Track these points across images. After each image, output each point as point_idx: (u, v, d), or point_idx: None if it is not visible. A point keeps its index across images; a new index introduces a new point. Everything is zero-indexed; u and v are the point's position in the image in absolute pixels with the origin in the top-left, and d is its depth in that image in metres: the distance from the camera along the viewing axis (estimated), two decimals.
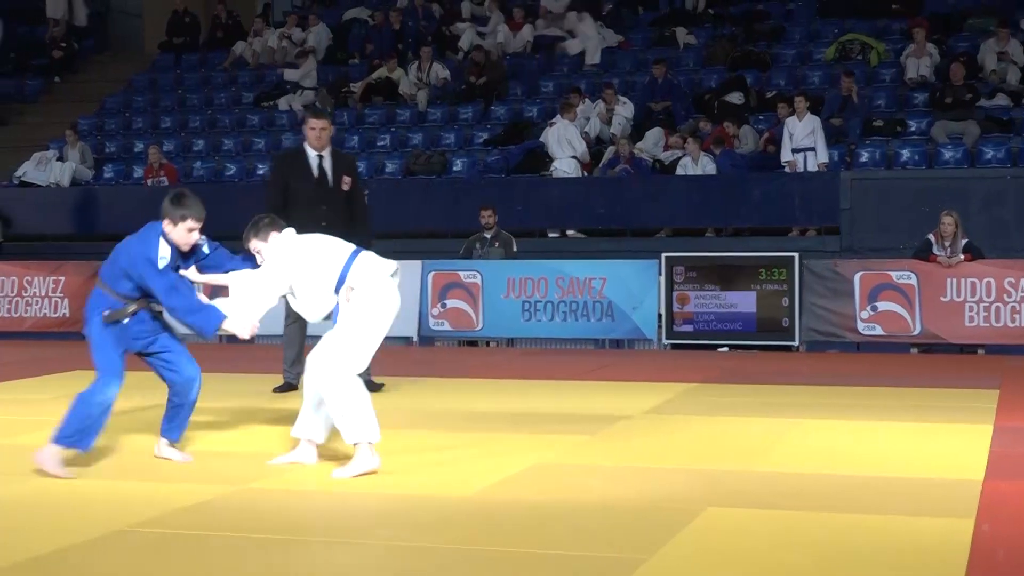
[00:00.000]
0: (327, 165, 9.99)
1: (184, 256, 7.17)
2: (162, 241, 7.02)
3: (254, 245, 7.18)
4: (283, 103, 21.79)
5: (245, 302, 7.03)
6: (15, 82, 24.93)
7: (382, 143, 20.35)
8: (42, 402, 9.98)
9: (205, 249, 7.30)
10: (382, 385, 10.13)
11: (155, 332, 7.21)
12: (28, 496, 6.54)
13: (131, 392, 9.46)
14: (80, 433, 6.90)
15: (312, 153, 9.98)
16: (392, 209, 18.31)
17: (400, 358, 13.42)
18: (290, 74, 22.19)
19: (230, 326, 6.99)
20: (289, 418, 8.93)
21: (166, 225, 7.02)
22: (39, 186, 20.56)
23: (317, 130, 9.94)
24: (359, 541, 5.59)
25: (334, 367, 6.85)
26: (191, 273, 7.22)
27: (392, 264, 7.19)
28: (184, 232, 7.02)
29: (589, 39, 21.09)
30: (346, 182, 10.00)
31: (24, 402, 10.03)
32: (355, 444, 6.87)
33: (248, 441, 8.16)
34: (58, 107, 23.89)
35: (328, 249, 7.15)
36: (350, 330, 6.91)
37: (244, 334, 7.03)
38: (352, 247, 7.21)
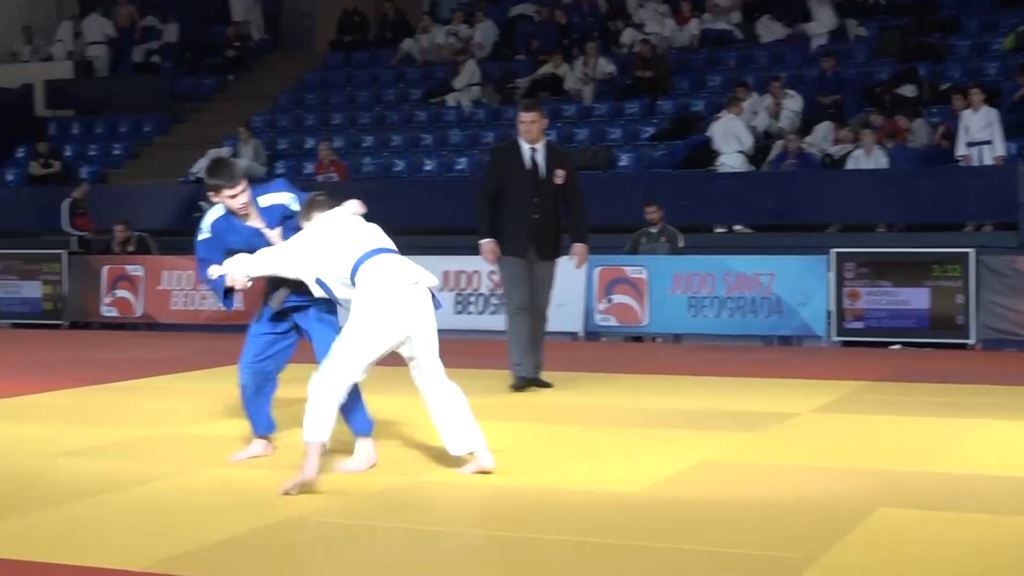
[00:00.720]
0: (540, 158, 9.98)
1: (267, 220, 7.08)
2: (208, 216, 7.05)
3: (300, 222, 7.00)
4: (451, 99, 21.98)
5: (250, 258, 6.94)
6: (191, 81, 25.58)
7: (548, 139, 20.35)
8: (214, 392, 10.22)
9: (295, 207, 7.13)
10: (550, 384, 10.15)
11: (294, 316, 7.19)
12: (209, 484, 6.70)
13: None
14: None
15: (525, 146, 10.00)
16: None
17: (565, 353, 13.45)
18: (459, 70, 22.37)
19: (226, 274, 6.94)
20: (473, 411, 9.02)
21: (212, 198, 7.02)
22: None
23: (527, 123, 9.97)
24: (525, 535, 5.61)
25: (323, 370, 6.65)
26: (273, 234, 7.12)
27: (415, 274, 6.74)
28: (228, 200, 6.94)
29: (822, 24, 20.67)
30: (559, 175, 9.95)
31: (197, 392, 10.28)
32: (306, 443, 6.52)
33: (425, 434, 8.25)
34: (232, 105, 24.45)
35: (350, 241, 6.80)
36: (345, 335, 6.64)
37: (232, 282, 6.98)
38: (378, 245, 6.83)
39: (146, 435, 8.12)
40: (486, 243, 10.00)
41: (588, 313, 14.95)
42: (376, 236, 6.91)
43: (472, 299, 15.45)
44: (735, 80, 19.71)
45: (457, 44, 23.38)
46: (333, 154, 20.36)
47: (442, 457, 7.37)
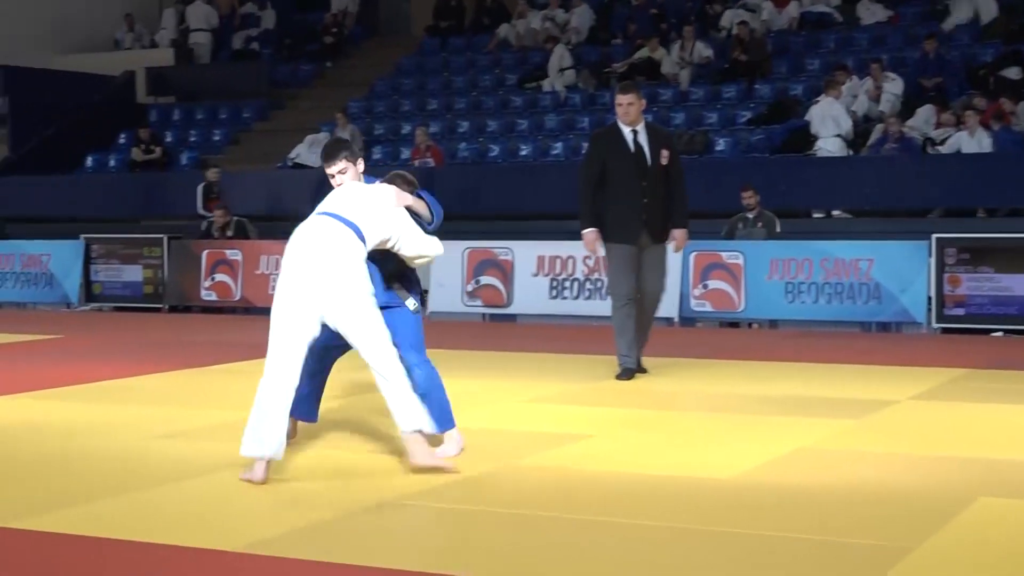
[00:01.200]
0: (643, 140, 9.73)
1: None
2: None
3: None
4: (547, 84, 21.95)
5: None
6: (290, 67, 25.82)
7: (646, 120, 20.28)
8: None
9: None
10: (646, 370, 10.07)
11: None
12: (304, 466, 6.75)
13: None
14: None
15: (626, 129, 9.78)
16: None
17: (661, 339, 13.40)
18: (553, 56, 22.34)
19: None
20: (567, 396, 9.03)
21: None
22: (311, 168, 21.24)
23: (624, 105, 9.74)
24: (622, 520, 5.59)
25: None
26: None
27: (314, 243, 6.49)
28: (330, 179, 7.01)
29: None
30: (664, 156, 9.72)
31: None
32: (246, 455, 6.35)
33: (523, 419, 8.26)
34: (330, 91, 24.63)
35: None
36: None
37: None
38: (318, 211, 6.65)
39: (243, 417, 8.19)
40: (588, 233, 9.75)
41: (683, 299, 14.85)
42: (329, 201, 6.74)
43: (567, 284, 15.42)
44: (834, 63, 19.49)
45: (553, 29, 23.33)
46: (429, 139, 20.43)
47: (535, 442, 7.38)
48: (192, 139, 24.27)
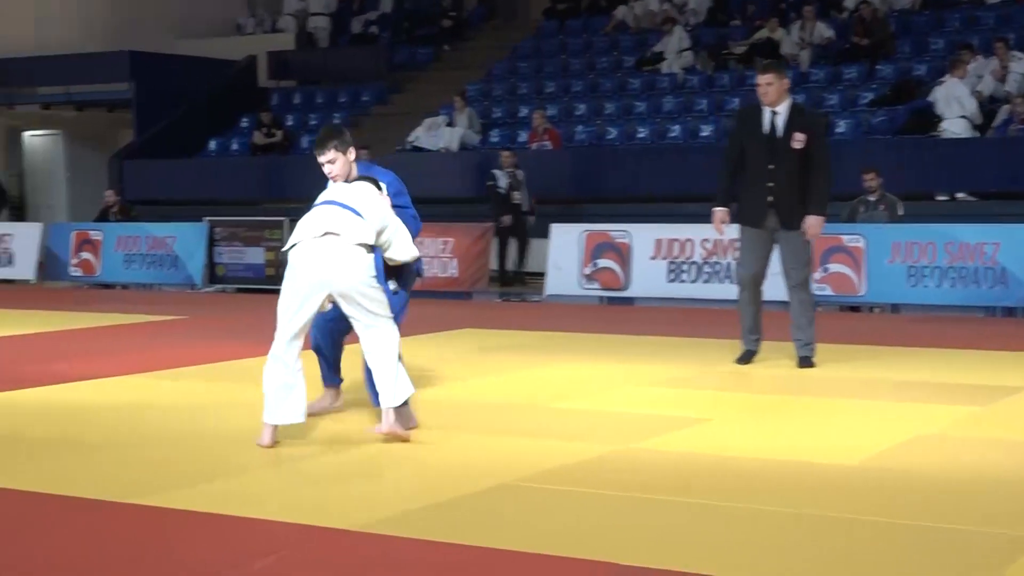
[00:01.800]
0: (779, 122, 9.44)
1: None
2: None
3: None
4: (664, 66, 21.81)
5: None
6: (408, 51, 25.96)
7: (794, 100, 20.07)
8: (432, 358, 10.37)
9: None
10: (812, 363, 9.69)
11: None
12: (421, 449, 6.80)
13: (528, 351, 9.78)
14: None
15: (767, 110, 9.50)
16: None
17: (779, 322, 13.26)
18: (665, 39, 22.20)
19: None
20: (684, 380, 9.00)
21: None
22: (429, 151, 21.36)
23: (763, 86, 9.50)
24: (739, 505, 5.55)
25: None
26: None
27: (320, 224, 6.78)
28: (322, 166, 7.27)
29: None
30: (798, 139, 9.36)
31: (415, 358, 10.43)
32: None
33: (634, 402, 8.24)
34: (447, 74, 24.72)
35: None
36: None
37: None
38: (321, 199, 7.04)
39: (360, 398, 8.28)
40: (716, 211, 9.58)
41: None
42: (333, 191, 7.08)
43: (685, 267, 15.33)
44: (959, 42, 19.10)
45: (671, 10, 23.17)
46: (547, 122, 20.42)
47: (652, 425, 7.35)
48: (312, 122, 24.50)
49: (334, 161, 7.16)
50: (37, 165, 28.33)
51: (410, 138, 21.69)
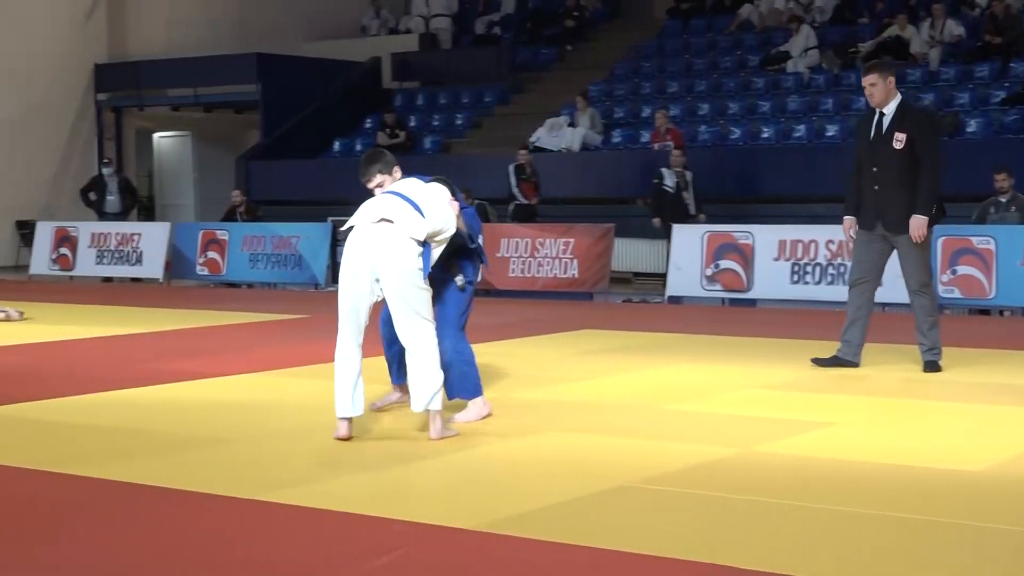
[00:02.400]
0: (885, 123, 9.27)
1: None
2: None
3: None
4: (790, 65, 21.57)
5: None
6: (530, 51, 25.99)
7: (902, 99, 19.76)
8: (550, 358, 10.36)
9: None
10: (939, 368, 9.43)
11: None
12: (541, 450, 6.79)
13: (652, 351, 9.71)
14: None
15: (876, 111, 9.35)
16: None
17: (904, 325, 13.03)
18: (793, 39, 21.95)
19: None
20: (807, 383, 8.88)
21: None
22: (551, 151, 21.35)
23: (867, 88, 9.36)
24: (861, 510, 5.45)
25: None
26: None
27: (377, 211, 6.86)
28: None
29: None
30: (898, 139, 9.15)
31: (534, 358, 10.44)
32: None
33: (755, 405, 8.15)
34: (570, 74, 24.71)
35: None
36: None
37: None
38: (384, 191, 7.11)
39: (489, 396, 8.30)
40: (844, 219, 9.55)
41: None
42: (403, 185, 7.13)
43: (809, 269, 15.13)
44: None
45: (797, 9, 22.91)
46: (669, 122, 20.30)
47: (773, 428, 7.26)
48: (435, 123, 24.67)
49: (383, 184, 7.22)
50: (166, 165, 28.91)
51: (532, 138, 21.70)
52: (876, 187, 9.27)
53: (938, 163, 9.32)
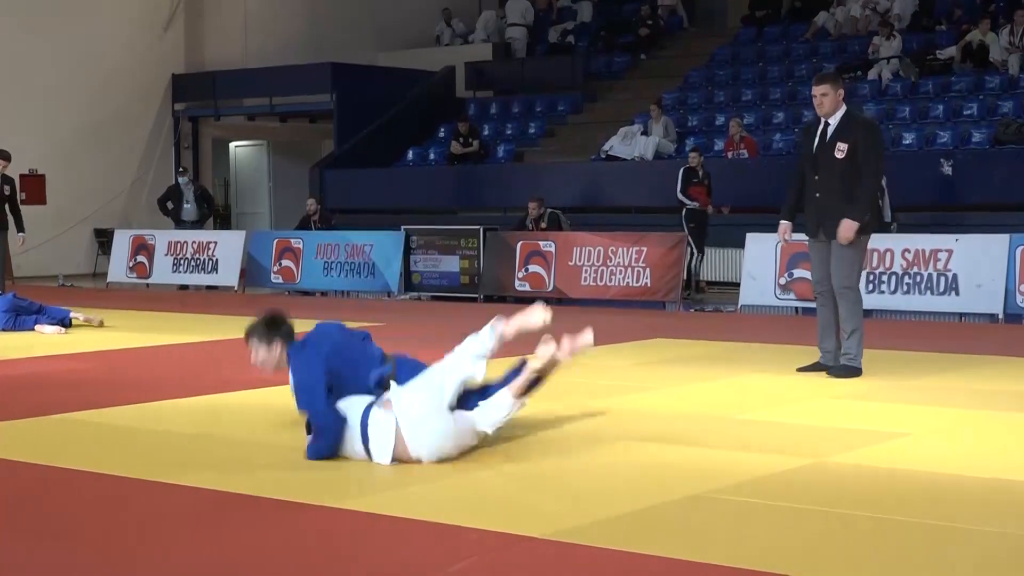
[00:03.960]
0: (828, 132, 9.41)
1: None
2: None
3: None
4: (871, 73, 21.39)
5: None
6: (604, 60, 25.99)
7: (968, 111, 19.56)
8: (622, 367, 10.34)
9: None
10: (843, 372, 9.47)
11: None
12: (612, 459, 6.78)
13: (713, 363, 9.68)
14: None
15: (822, 120, 9.50)
16: (979, 180, 17.57)
17: (984, 335, 12.90)
18: (876, 44, 21.76)
19: None
20: (881, 393, 8.80)
21: None
22: (624, 159, 21.33)
23: (817, 96, 9.42)
24: (936, 523, 5.39)
25: None
26: None
27: None
28: None
29: None
30: (840, 149, 9.29)
31: (606, 367, 10.43)
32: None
33: (829, 415, 8.09)
34: (644, 83, 24.69)
35: None
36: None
37: None
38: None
39: (555, 407, 8.30)
40: (780, 225, 9.87)
41: (1008, 295, 14.22)
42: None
43: (884, 278, 14.98)
44: None
45: (874, 16, 22.73)
46: (743, 130, 20.23)
47: (847, 438, 7.20)
48: (508, 132, 24.71)
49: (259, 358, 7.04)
50: (242, 174, 29.21)
51: (605, 147, 21.70)
52: (817, 194, 9.46)
53: (879, 172, 9.61)
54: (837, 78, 9.75)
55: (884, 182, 16.20)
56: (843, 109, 9.44)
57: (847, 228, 9.30)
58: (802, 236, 9.98)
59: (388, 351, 7.35)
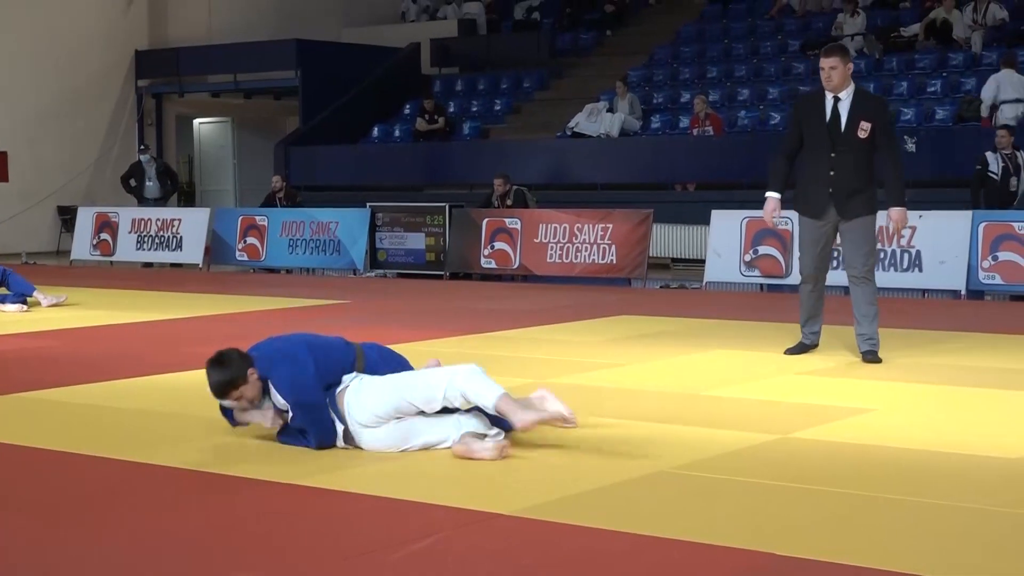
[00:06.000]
0: (843, 108, 9.00)
1: None
2: None
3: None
4: None
5: None
6: (571, 36, 25.95)
7: (932, 88, 19.64)
8: (588, 344, 10.36)
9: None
10: (879, 360, 9.16)
11: None
12: (578, 436, 6.78)
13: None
14: None
15: (828, 96, 9.05)
16: (942, 157, 17.66)
17: (947, 311, 13.00)
18: (840, 21, 21.82)
19: None
20: (847, 369, 8.85)
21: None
22: (590, 136, 21.32)
23: (826, 70, 8.97)
24: (900, 497, 5.43)
25: None
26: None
27: None
28: None
29: None
30: (863, 128, 8.94)
31: (572, 344, 10.45)
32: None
33: (795, 391, 8.13)
34: (609, 60, 24.68)
35: None
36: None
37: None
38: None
39: (521, 384, 8.30)
40: (770, 198, 9.30)
41: (971, 270, 14.31)
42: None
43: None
44: None
45: None
46: (709, 107, 20.25)
47: (811, 414, 7.24)
48: (474, 109, 24.67)
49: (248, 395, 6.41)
50: (206, 151, 29.06)
51: (571, 124, 21.68)
52: (832, 172, 9.05)
53: (901, 153, 9.22)
54: (847, 51, 9.35)
55: (1022, 159, 15.89)
56: (852, 84, 9.10)
57: (902, 217, 9.05)
58: (788, 214, 9.78)
59: (356, 333, 7.25)
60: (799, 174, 9.34)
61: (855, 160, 9.01)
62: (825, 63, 9.03)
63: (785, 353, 9.49)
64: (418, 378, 6.38)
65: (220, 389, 6.36)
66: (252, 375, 6.35)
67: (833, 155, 9.04)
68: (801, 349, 9.52)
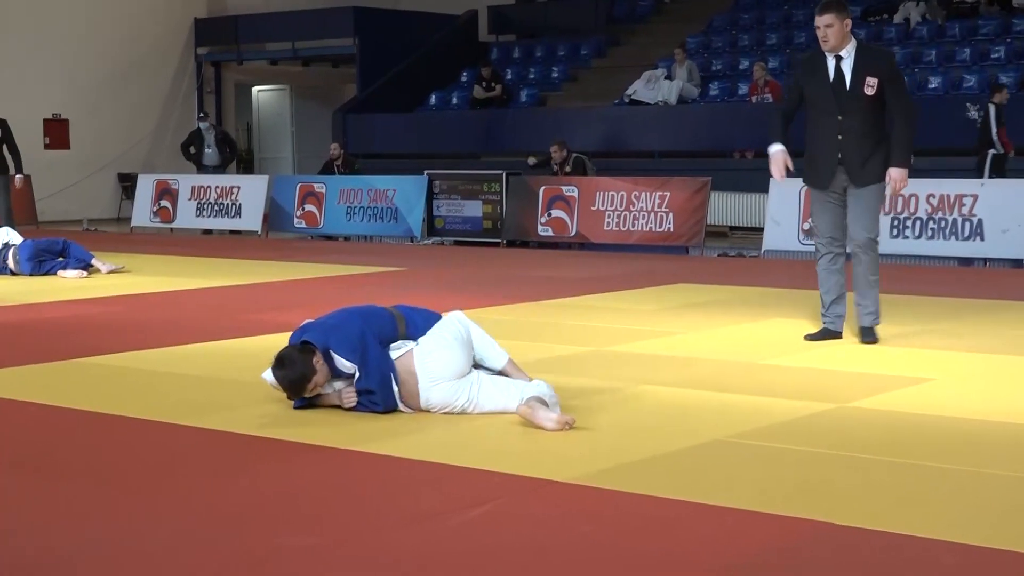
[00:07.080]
0: (846, 67, 8.38)
1: None
2: None
3: None
4: (897, 16, 21.19)
5: None
6: (628, 4, 25.81)
7: (996, 55, 19.38)
8: (644, 312, 10.33)
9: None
10: (876, 340, 8.61)
11: None
12: (635, 404, 6.77)
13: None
14: None
15: (829, 56, 8.43)
16: (1010, 126, 17.44)
17: (1009, 281, 12.87)
18: None
19: None
20: (906, 338, 8.78)
21: None
22: (648, 104, 21.22)
23: (821, 28, 8.36)
24: (955, 467, 5.39)
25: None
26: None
27: None
28: None
29: None
30: (869, 84, 8.30)
31: (628, 312, 10.42)
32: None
33: (853, 360, 8.07)
34: (668, 27, 24.52)
35: None
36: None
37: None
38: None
39: (578, 352, 8.29)
40: (776, 151, 8.62)
41: None
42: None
43: (908, 223, 14.91)
44: None
45: None
46: (768, 75, 20.09)
47: (870, 383, 7.19)
48: (531, 76, 24.61)
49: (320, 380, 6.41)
50: (265, 119, 29.18)
51: (628, 91, 21.59)
52: (840, 136, 8.44)
53: (913, 109, 8.49)
54: (843, 6, 8.44)
55: None
56: (853, 40, 8.49)
57: (901, 178, 8.33)
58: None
59: (412, 300, 7.25)
60: (806, 142, 8.75)
61: (864, 121, 8.39)
62: (820, 21, 8.41)
63: (806, 339, 8.76)
64: (496, 386, 6.43)
65: (296, 388, 6.37)
66: (317, 362, 6.32)
67: (840, 118, 8.42)
68: (824, 335, 8.78)
